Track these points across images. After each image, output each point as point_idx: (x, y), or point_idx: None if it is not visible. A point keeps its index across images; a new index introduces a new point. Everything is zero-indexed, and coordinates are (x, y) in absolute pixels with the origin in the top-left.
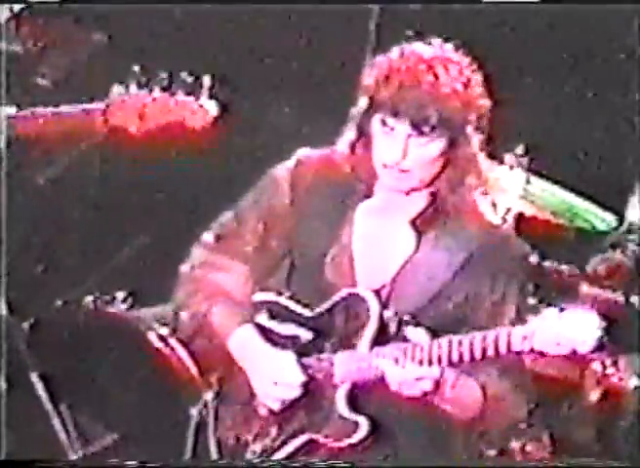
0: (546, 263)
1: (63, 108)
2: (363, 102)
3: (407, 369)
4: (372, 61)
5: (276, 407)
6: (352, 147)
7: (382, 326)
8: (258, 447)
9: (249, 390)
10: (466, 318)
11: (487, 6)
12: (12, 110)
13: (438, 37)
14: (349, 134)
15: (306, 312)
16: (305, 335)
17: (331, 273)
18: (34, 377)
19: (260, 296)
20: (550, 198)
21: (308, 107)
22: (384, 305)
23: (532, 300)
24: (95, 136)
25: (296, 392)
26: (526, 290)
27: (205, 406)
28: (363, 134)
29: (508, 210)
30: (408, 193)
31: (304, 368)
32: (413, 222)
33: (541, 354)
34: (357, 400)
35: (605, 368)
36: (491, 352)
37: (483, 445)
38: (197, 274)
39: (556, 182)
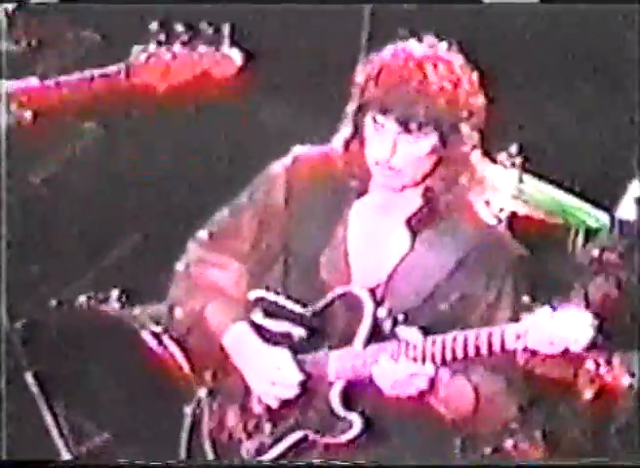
0: (540, 262)
1: (86, 73)
2: (355, 100)
3: (401, 366)
4: (365, 59)
5: (274, 405)
6: (347, 145)
7: (377, 324)
8: (251, 444)
9: (243, 388)
10: (461, 317)
11: (484, 5)
12: (35, 82)
13: (432, 35)
14: (344, 131)
15: (301, 310)
16: (300, 333)
17: (326, 271)
18: (28, 377)
19: (255, 294)
20: (543, 197)
21: (304, 105)
22: (379, 304)
23: (526, 299)
24: (119, 100)
25: (294, 391)
26: (520, 289)
27: (199, 404)
28: (357, 131)
29: (502, 209)
30: (401, 190)
31: (299, 365)
32: (408, 222)
33: (535, 353)
34: (351, 398)
35: (599, 366)
36: (484, 350)
37: (477, 444)
38: (192, 271)
39: (549, 181)
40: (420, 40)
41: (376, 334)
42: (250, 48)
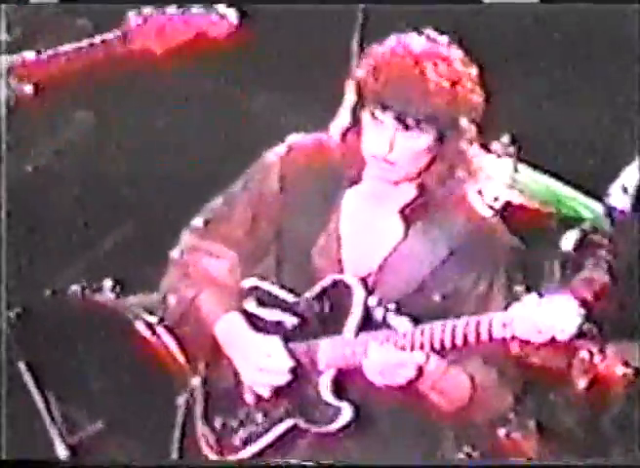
0: (533, 252)
1: (84, 42)
2: (353, 93)
3: (389, 354)
4: (363, 50)
5: (265, 393)
6: (344, 135)
7: (368, 313)
8: (243, 432)
9: (235, 376)
10: (453, 308)
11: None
12: (31, 55)
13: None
14: (341, 120)
15: (293, 298)
16: (292, 322)
17: (318, 259)
18: (21, 366)
19: (248, 282)
20: (537, 186)
21: (299, 93)
22: (370, 292)
23: (519, 289)
24: (117, 65)
25: (285, 378)
26: (514, 280)
27: (192, 393)
28: (355, 122)
29: (496, 198)
30: (396, 184)
31: (290, 353)
32: (402, 211)
33: (528, 342)
34: (341, 386)
35: (592, 356)
36: (472, 339)
37: (469, 433)
38: (186, 259)
39: (543, 171)
40: (419, 33)
41: (366, 323)
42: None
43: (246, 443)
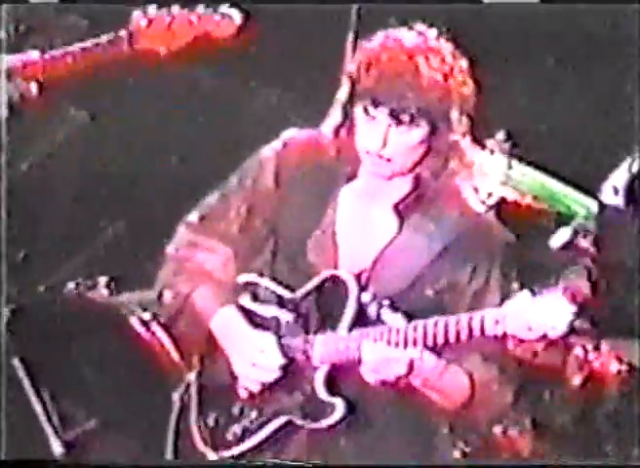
0: (528, 248)
1: (89, 42)
2: (346, 89)
3: (382, 350)
4: (355, 45)
5: (256, 389)
6: (336, 132)
7: (362, 309)
8: (237, 428)
9: (229, 372)
10: (448, 304)
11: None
12: (35, 55)
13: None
14: (334, 117)
15: (288, 294)
16: (287, 317)
17: (313, 255)
18: (16, 363)
19: (243, 278)
20: (532, 183)
21: (296, 90)
22: (363, 288)
23: (515, 286)
24: (123, 65)
25: (275, 375)
26: (509, 276)
27: (187, 389)
28: (347, 118)
29: (490, 194)
30: (390, 179)
31: (284, 349)
32: (396, 207)
33: (523, 340)
34: (335, 382)
35: (587, 353)
36: (464, 335)
37: (464, 430)
38: (181, 254)
39: (538, 168)
40: (410, 28)
41: (360, 319)
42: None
43: (240, 439)
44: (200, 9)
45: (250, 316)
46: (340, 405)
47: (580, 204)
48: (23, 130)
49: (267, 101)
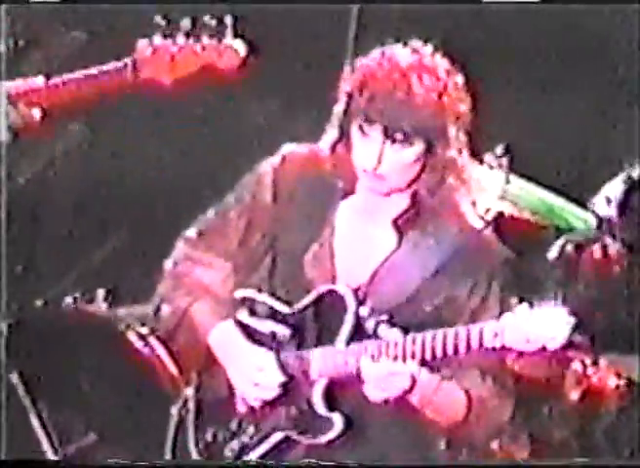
0: (526, 263)
1: (93, 70)
2: (342, 107)
3: (382, 365)
4: (353, 62)
5: (256, 405)
6: (333, 148)
7: (359, 323)
8: (235, 444)
9: (227, 387)
10: (446, 319)
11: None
12: (40, 81)
13: (419, 38)
14: (331, 133)
15: (286, 309)
16: (284, 333)
17: (311, 270)
18: (14, 377)
19: (241, 293)
20: (530, 198)
21: (295, 104)
22: (361, 302)
23: (514, 301)
24: (126, 93)
25: (274, 392)
26: (508, 291)
27: (184, 404)
28: (344, 134)
29: (488, 209)
30: (388, 195)
31: (283, 366)
32: (394, 222)
33: (522, 354)
34: (333, 397)
35: (585, 367)
36: (463, 348)
37: (462, 445)
38: (179, 270)
39: (536, 182)
40: (405, 44)
41: (358, 333)
42: (253, 39)
43: (238, 455)
44: (205, 39)
45: (248, 331)
46: (338, 420)
47: (579, 218)
48: (25, 150)
49: (266, 117)
